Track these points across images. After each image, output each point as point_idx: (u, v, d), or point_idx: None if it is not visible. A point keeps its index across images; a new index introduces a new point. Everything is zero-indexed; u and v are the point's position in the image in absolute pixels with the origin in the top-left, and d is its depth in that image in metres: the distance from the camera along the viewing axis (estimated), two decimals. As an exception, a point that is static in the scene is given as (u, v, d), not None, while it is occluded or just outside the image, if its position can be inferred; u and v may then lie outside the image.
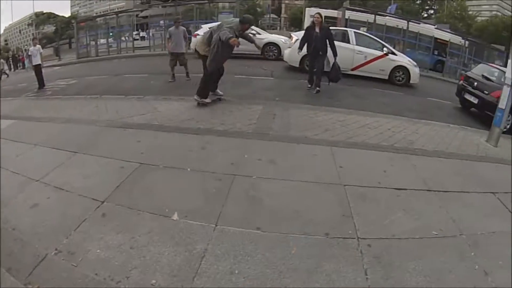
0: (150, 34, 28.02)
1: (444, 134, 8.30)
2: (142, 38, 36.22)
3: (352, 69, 13.92)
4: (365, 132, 7.17)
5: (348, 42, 13.93)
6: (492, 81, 11.31)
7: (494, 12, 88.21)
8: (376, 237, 3.81)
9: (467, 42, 27.02)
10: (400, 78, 14.26)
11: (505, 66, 9.35)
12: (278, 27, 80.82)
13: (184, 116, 7.07)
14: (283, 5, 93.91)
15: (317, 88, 10.58)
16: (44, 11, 76.05)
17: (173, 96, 9.06)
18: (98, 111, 7.77)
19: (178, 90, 10.11)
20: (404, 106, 10.95)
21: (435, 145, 7.25)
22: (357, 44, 13.92)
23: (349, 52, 13.59)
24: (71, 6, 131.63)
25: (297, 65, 13.75)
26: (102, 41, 26.43)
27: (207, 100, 8.27)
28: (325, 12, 30.01)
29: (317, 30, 10.39)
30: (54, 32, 58.41)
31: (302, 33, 13.73)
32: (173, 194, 4.21)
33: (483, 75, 12.00)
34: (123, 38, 26.53)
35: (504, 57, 26.15)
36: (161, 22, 26.38)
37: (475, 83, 11.80)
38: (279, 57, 16.48)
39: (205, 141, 5.69)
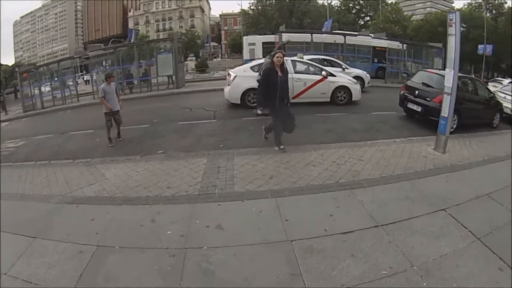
0: (93, 77, 27.09)
1: (390, 154, 8.48)
2: (87, 82, 35.56)
3: (293, 98, 13.74)
4: (309, 171, 7.25)
5: None
6: (433, 87, 11.65)
7: (428, 9, 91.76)
8: (325, 292, 3.87)
9: (404, 45, 27.95)
10: (342, 98, 14.64)
11: (444, 68, 9.72)
12: (220, 55, 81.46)
13: (132, 182, 6.96)
14: (222, 32, 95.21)
15: (282, 147, 8.67)
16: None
17: (119, 157, 8.88)
18: (48, 182, 7.58)
19: (123, 149, 9.93)
20: (348, 128, 11.14)
21: (381, 170, 7.39)
22: (295, 72, 14.07)
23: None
24: (14, 50, 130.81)
25: (238, 102, 13.88)
26: (47, 89, 25.51)
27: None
28: (263, 38, 30.75)
29: (280, 73, 8.47)
30: (-1, 82, 56.75)
31: (239, 69, 14.23)
32: (133, 276, 4.18)
33: (423, 83, 12.42)
34: (67, 84, 25.88)
35: (442, 54, 27.19)
36: (104, 62, 25.75)
37: (416, 92, 12.18)
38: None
39: (154, 212, 5.64)
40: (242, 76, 13.82)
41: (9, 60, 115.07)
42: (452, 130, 10.44)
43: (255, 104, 13.08)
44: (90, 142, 11.39)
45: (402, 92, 13.30)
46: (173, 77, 24.39)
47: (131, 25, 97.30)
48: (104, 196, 6.53)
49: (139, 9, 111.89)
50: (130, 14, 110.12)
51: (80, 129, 13.45)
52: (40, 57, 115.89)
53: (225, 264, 4.34)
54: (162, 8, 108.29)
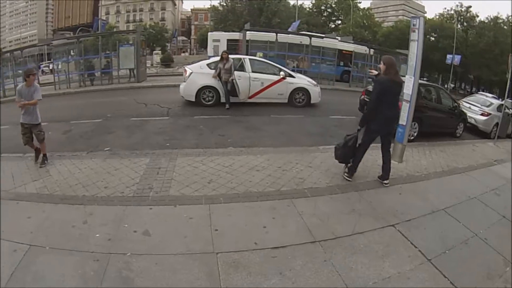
0: (58, 67, 25.25)
1: None
2: (52, 71, 34.60)
3: (250, 97, 13.96)
4: (251, 177, 7.00)
5: (244, 70, 13.90)
6: None
7: (400, 17, 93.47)
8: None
9: (371, 50, 28.18)
10: (300, 100, 14.54)
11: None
12: (189, 50, 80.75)
13: (72, 180, 6.75)
14: (193, 27, 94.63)
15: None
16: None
17: (67, 152, 8.60)
18: None
19: (72, 144, 9.59)
20: (302, 131, 10.99)
21: (329, 179, 7.10)
22: (252, 71, 13.96)
23: (244, 81, 13.61)
24: None
25: (193, 99, 13.72)
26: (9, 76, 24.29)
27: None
28: (228, 35, 30.45)
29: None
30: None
31: (196, 65, 14.11)
32: (57, 280, 4.07)
33: None
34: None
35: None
36: (70, 52, 24.63)
37: None
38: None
39: (88, 213, 5.48)
40: (198, 73, 13.68)
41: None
42: (412, 138, 10.49)
43: (210, 102, 13.24)
44: (43, 135, 11.02)
45: (362, 97, 13.18)
46: (134, 70, 23.94)
47: (102, 14, 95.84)
48: (44, 193, 6.33)
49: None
50: (102, 2, 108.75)
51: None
52: (8, 42, 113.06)
53: (145, 273, 4.19)
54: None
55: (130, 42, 25.14)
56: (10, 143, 9.84)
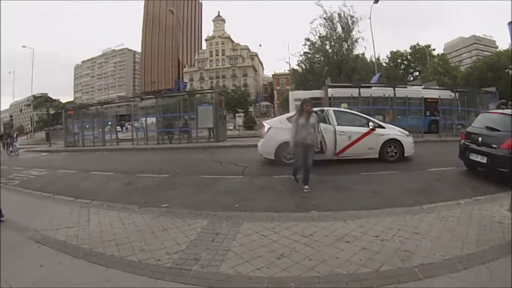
0: (143, 126, 27.72)
1: (455, 222, 6.22)
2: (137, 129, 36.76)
3: (336, 154, 12.47)
4: (339, 251, 5.01)
5: (328, 122, 12.48)
6: (499, 130, 9.50)
7: (474, 57, 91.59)
8: None
9: (457, 94, 26.23)
10: (393, 154, 12.88)
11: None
12: (272, 114, 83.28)
13: (108, 235, 5.84)
14: (275, 92, 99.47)
15: None
16: (46, 94, 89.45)
17: (119, 204, 8.00)
18: (37, 215, 7.28)
19: (129, 196, 9.08)
20: (399, 189, 9.19)
21: (444, 249, 5.03)
22: (338, 124, 12.50)
23: (330, 135, 12.19)
24: (74, 91, 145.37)
25: (272, 157, 12.52)
26: (90, 129, 28.16)
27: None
28: (309, 93, 29.65)
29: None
30: (47, 116, 61.95)
31: (275, 120, 13.52)
32: None
33: (486, 127, 10.18)
34: (107, 129, 28.22)
35: (495, 98, 26.26)
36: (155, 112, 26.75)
37: (480, 139, 10.00)
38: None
39: (105, 278, 4.38)
40: (278, 128, 12.45)
41: (69, 99, 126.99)
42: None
43: (291, 161, 11.13)
44: (103, 184, 11.26)
45: (462, 141, 11.12)
46: (214, 130, 24.59)
47: (185, 79, 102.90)
48: (71, 243, 5.73)
49: (194, 65, 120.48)
50: (185, 69, 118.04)
51: (102, 170, 13.72)
52: (97, 101, 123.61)
53: None
54: (216, 66, 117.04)
55: (211, 102, 26.34)
56: (72, 186, 10.83)
